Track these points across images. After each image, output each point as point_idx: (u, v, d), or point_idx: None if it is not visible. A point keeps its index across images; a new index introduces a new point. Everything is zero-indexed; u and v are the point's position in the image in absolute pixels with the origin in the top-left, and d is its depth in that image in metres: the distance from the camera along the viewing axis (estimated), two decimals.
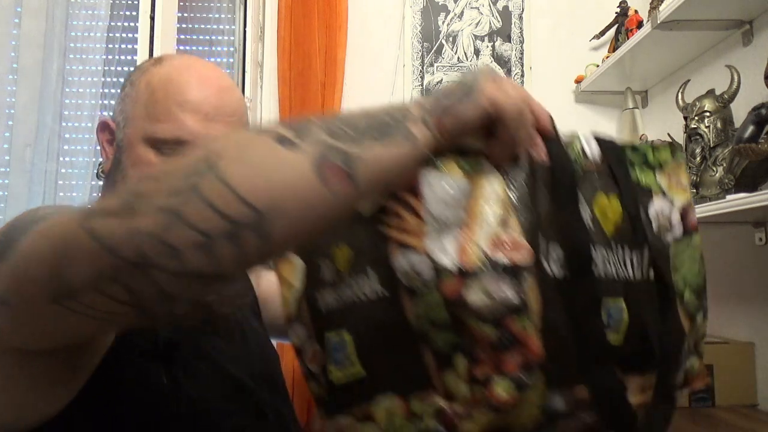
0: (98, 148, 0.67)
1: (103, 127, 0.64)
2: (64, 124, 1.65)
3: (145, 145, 0.58)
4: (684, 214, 0.48)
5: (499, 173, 0.42)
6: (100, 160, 0.67)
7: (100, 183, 0.72)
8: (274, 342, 0.75)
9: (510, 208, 0.41)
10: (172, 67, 0.63)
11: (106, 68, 1.65)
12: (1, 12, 1.52)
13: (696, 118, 1.28)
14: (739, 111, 1.24)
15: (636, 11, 1.70)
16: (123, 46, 1.70)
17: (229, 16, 1.92)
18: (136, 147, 0.59)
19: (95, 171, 1.35)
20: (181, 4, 1.72)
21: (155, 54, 1.40)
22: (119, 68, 1.68)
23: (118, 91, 0.66)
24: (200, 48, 1.86)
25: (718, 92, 1.27)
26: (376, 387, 0.41)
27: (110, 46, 1.66)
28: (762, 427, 1.11)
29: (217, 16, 1.90)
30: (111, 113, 0.65)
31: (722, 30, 1.41)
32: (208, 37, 1.87)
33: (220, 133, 0.57)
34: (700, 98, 1.30)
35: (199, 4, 1.88)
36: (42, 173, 1.58)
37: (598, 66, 1.81)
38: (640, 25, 1.61)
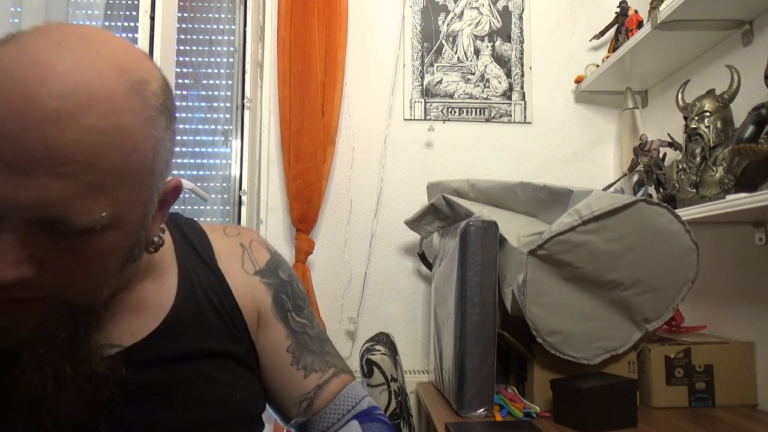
0: None
1: None
2: None
3: None
4: None
5: None
6: None
7: None
8: None
9: None
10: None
11: None
12: (1, 12, 1.52)
13: (696, 118, 1.28)
14: (739, 111, 1.24)
15: (636, 11, 1.70)
16: None
17: (229, 16, 1.92)
18: None
19: None
20: (181, 4, 1.72)
21: (155, 54, 1.39)
22: None
23: None
24: (200, 48, 1.86)
25: (718, 92, 1.27)
26: None
27: None
28: (762, 427, 1.11)
29: (217, 16, 1.89)
30: None
31: (722, 30, 1.41)
32: (208, 37, 1.87)
33: (46, 192, 0.39)
34: (700, 98, 1.30)
35: (199, 4, 1.88)
36: None
37: (598, 66, 1.81)
38: (640, 25, 1.61)
